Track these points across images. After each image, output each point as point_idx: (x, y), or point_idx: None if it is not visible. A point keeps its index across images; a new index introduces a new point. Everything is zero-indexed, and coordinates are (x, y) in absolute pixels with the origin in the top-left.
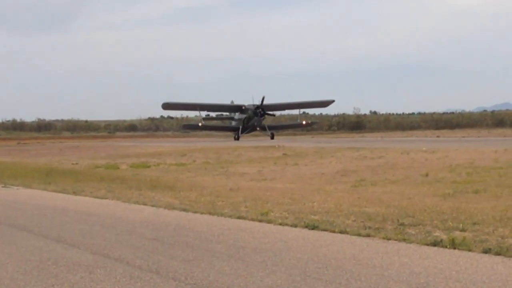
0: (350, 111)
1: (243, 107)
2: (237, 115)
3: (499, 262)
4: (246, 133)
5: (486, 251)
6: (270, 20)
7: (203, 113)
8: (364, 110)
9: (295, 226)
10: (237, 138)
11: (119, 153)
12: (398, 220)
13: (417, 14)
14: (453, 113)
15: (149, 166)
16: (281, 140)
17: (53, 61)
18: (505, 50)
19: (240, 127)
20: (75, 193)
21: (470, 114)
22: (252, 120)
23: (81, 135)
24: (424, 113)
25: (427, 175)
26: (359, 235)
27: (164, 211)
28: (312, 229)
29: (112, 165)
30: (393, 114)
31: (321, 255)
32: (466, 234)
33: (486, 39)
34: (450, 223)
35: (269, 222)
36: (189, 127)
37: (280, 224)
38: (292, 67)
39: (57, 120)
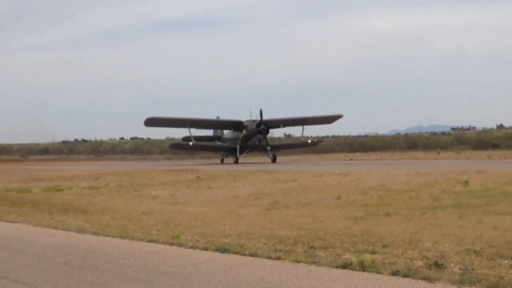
0: None
1: (244, 123)
2: (228, 134)
3: (407, 284)
4: (244, 154)
5: (395, 273)
6: (189, 44)
7: (191, 130)
8: (278, 133)
9: (206, 249)
10: (235, 161)
11: (31, 176)
12: (308, 243)
13: (329, 39)
14: (367, 136)
15: (61, 190)
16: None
17: None
18: (417, 75)
19: (238, 146)
20: None
21: (384, 137)
22: (253, 138)
23: None
24: (338, 136)
25: (339, 198)
26: (269, 258)
27: (75, 235)
28: (223, 252)
29: (24, 188)
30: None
31: (230, 278)
32: (375, 256)
33: (398, 64)
34: (360, 246)
35: (180, 245)
36: (178, 147)
37: (191, 247)
38: (208, 89)
39: None
